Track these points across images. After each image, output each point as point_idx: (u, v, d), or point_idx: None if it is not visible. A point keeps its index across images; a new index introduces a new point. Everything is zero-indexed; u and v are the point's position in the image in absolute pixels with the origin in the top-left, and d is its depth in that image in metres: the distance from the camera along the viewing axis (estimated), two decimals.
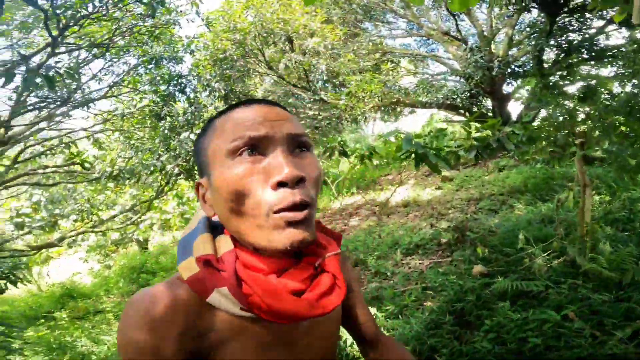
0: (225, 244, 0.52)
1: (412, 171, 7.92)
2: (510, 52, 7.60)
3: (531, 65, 6.86)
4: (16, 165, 4.14)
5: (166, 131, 4.96)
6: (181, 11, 4.62)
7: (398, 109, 8.90)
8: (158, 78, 4.93)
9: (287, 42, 5.38)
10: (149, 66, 4.82)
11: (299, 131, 0.52)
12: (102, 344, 3.14)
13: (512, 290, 1.98)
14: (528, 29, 6.77)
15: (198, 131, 5.20)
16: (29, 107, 3.20)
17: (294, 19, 4.92)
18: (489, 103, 8.35)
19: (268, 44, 5.46)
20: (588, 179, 2.36)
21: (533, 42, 6.19)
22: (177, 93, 5.20)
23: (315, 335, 0.57)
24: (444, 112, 9.74)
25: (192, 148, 5.31)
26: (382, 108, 7.74)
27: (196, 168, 5.29)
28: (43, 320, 4.65)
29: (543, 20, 6.09)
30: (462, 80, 7.76)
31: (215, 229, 0.56)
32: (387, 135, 5.86)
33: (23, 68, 2.61)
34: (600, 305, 1.67)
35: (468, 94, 7.58)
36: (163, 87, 5.10)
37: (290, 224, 0.46)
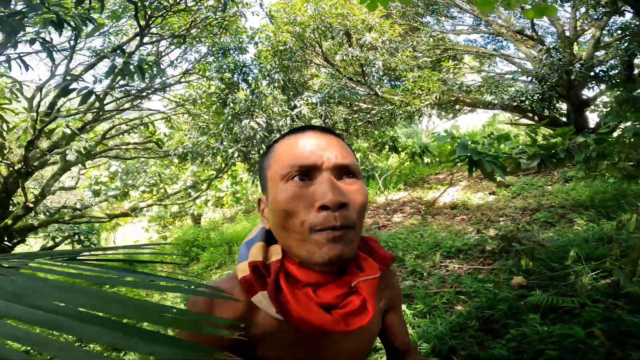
0: (275, 253, 0.59)
1: (465, 172, 7.61)
2: (595, 54, 6.86)
3: (619, 70, 6.17)
4: (103, 141, 4.80)
5: (229, 117, 5.38)
6: (247, 3, 4.92)
7: (457, 107, 8.53)
8: (224, 66, 5.33)
9: (344, 36, 5.45)
10: (218, 55, 5.23)
11: (346, 161, 0.57)
12: None
13: (545, 304, 1.93)
14: (619, 32, 6.07)
15: (258, 119, 5.58)
16: (118, 90, 3.72)
17: (352, 13, 4.97)
18: (563, 107, 7.66)
19: (326, 37, 5.58)
20: None
21: (623, 46, 5.56)
22: (240, 81, 5.59)
23: (342, 348, 0.62)
24: (509, 113, 9.13)
25: (251, 134, 5.60)
26: (440, 105, 7.50)
27: (252, 152, 5.68)
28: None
29: (638, 23, 5.44)
30: (533, 81, 7.19)
31: (270, 239, 0.63)
32: (441, 138, 5.68)
33: (113, 56, 3.05)
34: (630, 326, 1.59)
35: (539, 97, 7.02)
36: (228, 75, 5.51)
37: (330, 240, 0.52)
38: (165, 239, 11.27)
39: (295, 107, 5.63)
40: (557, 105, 7.46)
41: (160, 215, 10.67)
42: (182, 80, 5.33)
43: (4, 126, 2.73)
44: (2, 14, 1.98)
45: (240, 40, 5.21)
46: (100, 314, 0.24)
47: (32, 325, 0.23)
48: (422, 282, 3.43)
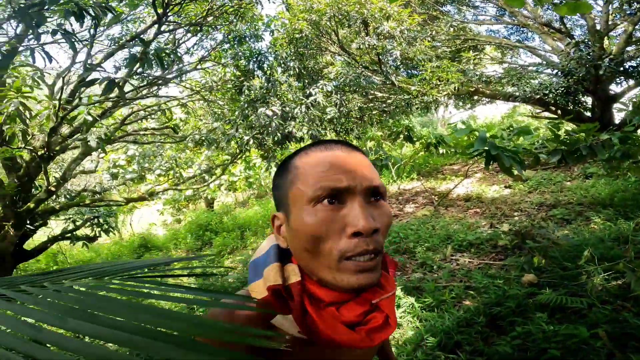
0: (293, 273, 0.57)
1: (480, 163, 7.48)
2: (627, 49, 6.57)
3: None
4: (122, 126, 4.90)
5: (245, 104, 5.42)
6: None
7: (475, 98, 8.32)
8: (240, 54, 5.34)
9: (361, 25, 5.35)
10: (233, 43, 5.23)
11: (375, 183, 0.56)
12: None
13: (554, 303, 1.92)
14: None
15: (273, 107, 5.59)
16: (135, 77, 3.79)
17: (370, 1, 4.85)
18: (588, 102, 7.38)
19: (342, 25, 5.49)
20: None
21: None
22: (256, 69, 5.59)
23: (354, 356, 0.63)
24: (530, 106, 8.85)
25: (266, 121, 5.60)
26: (458, 95, 7.33)
27: (266, 139, 5.72)
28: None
29: None
30: (558, 74, 6.94)
31: (284, 256, 0.60)
32: (459, 131, 5.56)
33: (132, 45, 3.09)
34: (634, 328, 1.58)
35: (564, 90, 6.78)
36: (244, 63, 5.52)
37: (360, 271, 0.51)
38: (179, 222, 11.55)
39: (310, 95, 5.61)
40: (582, 99, 7.20)
41: (175, 199, 10.91)
42: (198, 67, 5.37)
43: (27, 113, 2.83)
44: (22, 4, 2.03)
45: (256, 27, 5.18)
46: (159, 329, 0.27)
47: (104, 341, 0.26)
48: (431, 275, 3.45)
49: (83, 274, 0.46)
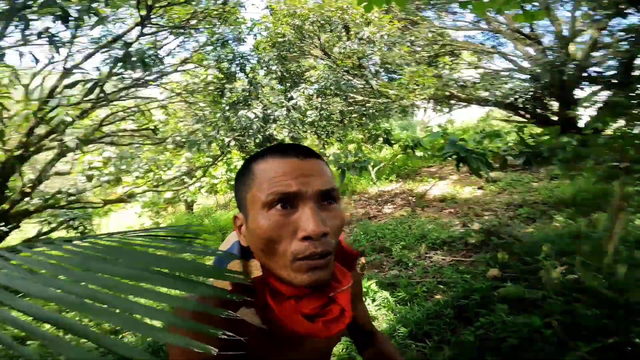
0: (255, 268, 0.61)
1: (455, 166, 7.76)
2: (593, 54, 6.97)
3: (616, 71, 6.31)
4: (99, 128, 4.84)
5: (226, 107, 5.46)
6: None
7: (452, 102, 8.63)
8: (222, 56, 5.37)
9: (343, 29, 5.50)
10: (216, 45, 5.26)
11: (328, 187, 0.59)
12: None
13: (514, 295, 2.11)
14: (622, 33, 6.16)
15: (254, 109, 5.66)
16: (115, 78, 3.78)
17: (351, 7, 5.01)
18: (556, 106, 7.81)
19: (325, 30, 5.63)
20: (624, 203, 2.34)
21: (624, 47, 5.66)
22: (238, 71, 5.65)
23: (317, 344, 0.69)
24: (503, 110, 9.25)
25: (247, 124, 5.63)
26: (435, 99, 7.60)
27: (247, 141, 5.76)
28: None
29: None
30: (531, 79, 7.32)
31: (246, 252, 0.64)
32: (434, 135, 5.81)
33: (113, 48, 3.10)
34: (584, 318, 1.78)
35: (532, 95, 7.16)
36: (226, 65, 5.56)
37: (310, 269, 0.55)
38: (158, 224, 11.34)
39: (291, 98, 5.71)
40: (549, 104, 7.60)
41: (154, 202, 10.70)
42: (180, 69, 5.37)
43: (3, 113, 2.80)
44: (6, 7, 2.04)
45: (239, 31, 5.24)
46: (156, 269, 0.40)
47: (121, 278, 0.37)
48: (406, 272, 3.61)
49: (103, 236, 0.61)
